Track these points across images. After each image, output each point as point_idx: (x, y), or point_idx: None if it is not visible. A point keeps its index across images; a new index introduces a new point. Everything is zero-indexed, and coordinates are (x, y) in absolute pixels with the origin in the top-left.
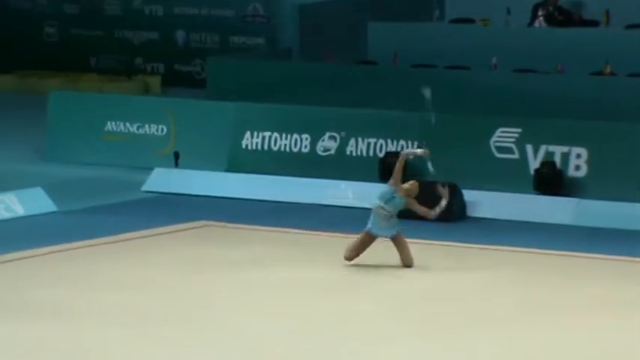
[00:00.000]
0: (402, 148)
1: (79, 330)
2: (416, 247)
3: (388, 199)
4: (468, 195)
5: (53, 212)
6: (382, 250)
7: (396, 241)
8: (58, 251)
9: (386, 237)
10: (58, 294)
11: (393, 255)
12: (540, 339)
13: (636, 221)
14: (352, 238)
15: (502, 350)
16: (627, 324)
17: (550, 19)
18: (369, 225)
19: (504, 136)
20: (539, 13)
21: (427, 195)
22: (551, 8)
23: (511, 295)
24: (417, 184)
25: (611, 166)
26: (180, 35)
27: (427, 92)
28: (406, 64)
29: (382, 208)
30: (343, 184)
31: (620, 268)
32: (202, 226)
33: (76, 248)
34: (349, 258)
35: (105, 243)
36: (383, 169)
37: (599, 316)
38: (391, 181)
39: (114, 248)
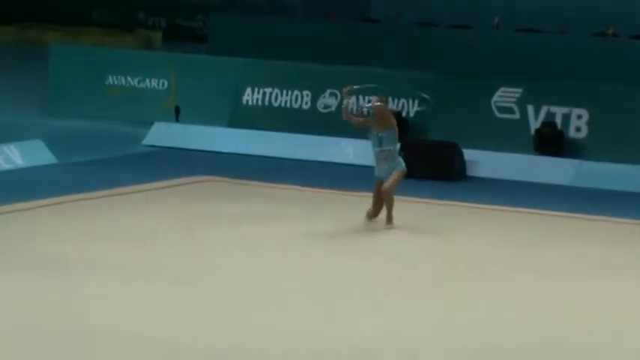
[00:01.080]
0: (404, 105)
1: (79, 283)
2: (416, 205)
3: (380, 140)
4: (469, 154)
5: (53, 164)
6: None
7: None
8: (57, 203)
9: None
10: (57, 247)
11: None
12: (531, 299)
13: (636, 183)
14: (352, 195)
15: (497, 306)
16: (620, 286)
17: None
18: (376, 173)
19: (505, 96)
20: None
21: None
22: None
23: (508, 255)
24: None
25: (612, 128)
26: None
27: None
28: (409, 23)
29: (381, 150)
30: (343, 142)
31: (619, 230)
32: (202, 181)
33: (75, 201)
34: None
35: (104, 196)
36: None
37: (594, 278)
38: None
39: (113, 201)
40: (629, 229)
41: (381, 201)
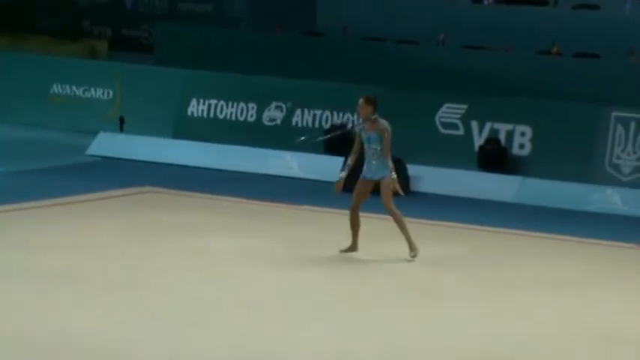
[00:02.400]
0: (348, 119)
1: (19, 293)
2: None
3: (368, 139)
4: (413, 170)
5: None
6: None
7: (370, 184)
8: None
9: (374, 179)
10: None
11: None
12: (475, 314)
13: (577, 201)
14: (295, 209)
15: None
16: (561, 302)
17: None
18: (362, 173)
19: (450, 112)
20: None
21: None
22: None
23: (449, 271)
24: (387, 128)
25: (555, 145)
26: None
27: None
28: (355, 37)
29: (370, 148)
30: (288, 155)
31: (559, 247)
32: (145, 192)
33: (17, 210)
34: (352, 208)
35: (47, 205)
36: (328, 140)
37: (536, 294)
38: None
39: (56, 211)
40: (570, 246)
41: (360, 195)
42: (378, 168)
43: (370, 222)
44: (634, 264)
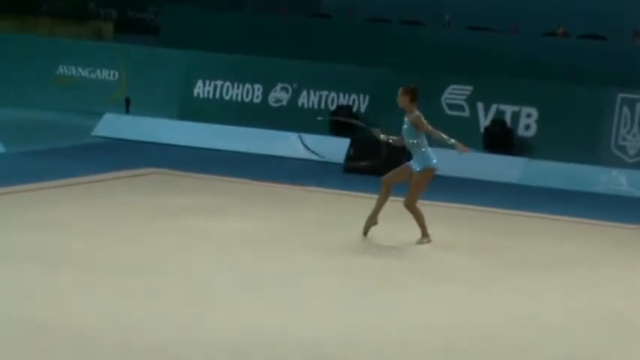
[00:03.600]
0: (354, 101)
1: (26, 273)
2: (364, 200)
3: (404, 130)
4: None
5: (1, 154)
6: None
7: (411, 177)
8: (4, 193)
9: (414, 170)
10: (4, 237)
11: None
12: (480, 296)
13: (583, 182)
14: (301, 190)
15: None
16: (565, 283)
17: None
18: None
19: (456, 94)
20: None
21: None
22: None
23: (456, 251)
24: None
25: (561, 126)
26: None
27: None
28: (360, 18)
29: (408, 142)
30: (294, 136)
31: (564, 228)
32: (151, 174)
33: (22, 191)
34: (385, 181)
35: (52, 187)
36: (334, 121)
37: (543, 274)
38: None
39: (61, 192)
40: (575, 227)
41: (398, 176)
42: (416, 160)
43: (363, 202)
44: (638, 245)
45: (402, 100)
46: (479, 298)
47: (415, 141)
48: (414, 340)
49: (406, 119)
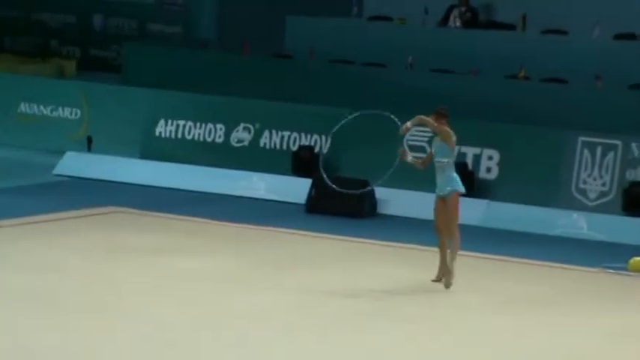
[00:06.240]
0: (315, 142)
1: None
2: (326, 242)
3: (436, 151)
4: (380, 192)
5: None
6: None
7: (444, 202)
8: None
9: (443, 195)
10: None
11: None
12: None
13: (543, 225)
14: (261, 230)
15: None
16: (523, 324)
17: (462, 19)
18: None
19: (418, 135)
20: (453, 13)
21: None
22: (463, 9)
23: (413, 292)
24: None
25: (522, 169)
26: (97, 19)
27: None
28: (323, 59)
29: (437, 161)
30: (256, 176)
31: (525, 271)
32: (112, 212)
33: None
34: (439, 231)
35: (13, 225)
36: (296, 162)
37: (502, 315)
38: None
39: (22, 230)
40: (535, 270)
41: (440, 213)
42: (442, 183)
43: (324, 242)
44: (598, 288)
45: (442, 122)
46: (440, 339)
47: (446, 161)
48: None
49: (440, 140)
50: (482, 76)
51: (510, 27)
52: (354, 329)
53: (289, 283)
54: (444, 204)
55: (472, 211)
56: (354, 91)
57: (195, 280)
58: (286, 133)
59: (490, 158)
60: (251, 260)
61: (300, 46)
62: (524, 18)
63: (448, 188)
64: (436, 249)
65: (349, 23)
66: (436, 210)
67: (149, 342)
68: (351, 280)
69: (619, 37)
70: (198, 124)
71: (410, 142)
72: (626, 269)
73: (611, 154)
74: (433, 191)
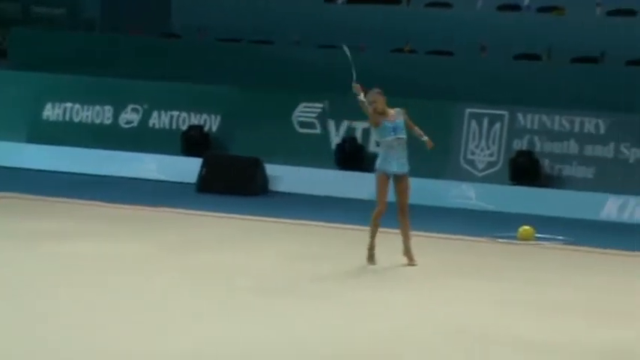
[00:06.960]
0: (205, 121)
1: None
2: (216, 220)
3: (394, 128)
4: (271, 169)
5: None
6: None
7: (402, 183)
8: None
9: (403, 173)
10: None
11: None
12: (337, 311)
13: (434, 197)
14: (153, 211)
15: (307, 322)
16: (412, 296)
17: None
18: (378, 164)
19: (307, 111)
20: None
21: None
22: None
23: (309, 267)
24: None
25: (410, 141)
26: None
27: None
28: (210, 38)
29: (398, 138)
30: (147, 157)
31: (415, 243)
32: (1, 198)
33: None
34: (383, 209)
35: None
36: (185, 142)
37: (387, 292)
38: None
39: None
40: (425, 241)
41: (386, 191)
42: (404, 159)
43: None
44: (486, 257)
45: (384, 101)
46: (340, 312)
47: (406, 136)
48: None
49: (390, 119)
50: (369, 51)
51: (395, 1)
52: (263, 306)
53: (184, 262)
54: (398, 182)
55: (363, 185)
56: (242, 68)
57: (91, 264)
58: (175, 113)
59: None
60: (146, 242)
61: (188, 25)
62: None
63: (408, 167)
64: (318, 222)
65: (236, 1)
66: (384, 187)
67: (73, 326)
68: (245, 259)
69: (502, 7)
70: (85, 107)
71: (300, 119)
72: (515, 238)
73: (497, 125)
74: (324, 167)
